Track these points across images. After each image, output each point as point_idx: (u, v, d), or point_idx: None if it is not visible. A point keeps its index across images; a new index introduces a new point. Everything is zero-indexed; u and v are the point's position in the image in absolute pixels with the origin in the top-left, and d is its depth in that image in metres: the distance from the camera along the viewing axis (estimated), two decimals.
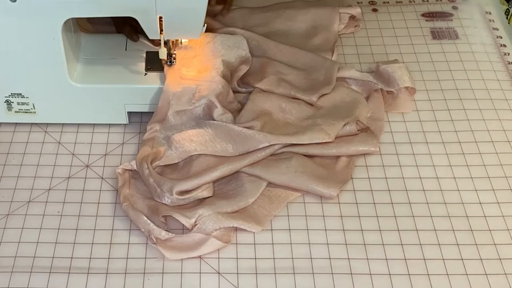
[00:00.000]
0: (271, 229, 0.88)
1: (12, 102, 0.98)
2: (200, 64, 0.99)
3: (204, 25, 0.92)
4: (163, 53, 0.95)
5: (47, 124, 1.02)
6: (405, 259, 0.85)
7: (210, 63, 0.99)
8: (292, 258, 0.85)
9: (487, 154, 0.98)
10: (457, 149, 0.99)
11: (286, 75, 1.04)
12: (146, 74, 0.98)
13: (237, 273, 0.84)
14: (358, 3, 1.25)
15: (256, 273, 0.84)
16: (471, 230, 0.88)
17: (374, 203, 0.91)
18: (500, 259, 0.85)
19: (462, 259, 0.85)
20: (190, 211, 0.87)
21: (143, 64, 1.00)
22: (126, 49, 1.02)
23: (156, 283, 0.83)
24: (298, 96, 1.01)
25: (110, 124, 1.02)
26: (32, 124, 1.02)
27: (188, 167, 0.93)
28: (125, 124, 1.02)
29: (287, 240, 0.87)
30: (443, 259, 0.85)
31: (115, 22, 1.06)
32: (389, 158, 0.97)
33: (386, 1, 1.26)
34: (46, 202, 0.92)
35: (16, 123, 1.02)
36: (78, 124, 1.02)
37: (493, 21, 1.21)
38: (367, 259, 0.85)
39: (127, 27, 1.02)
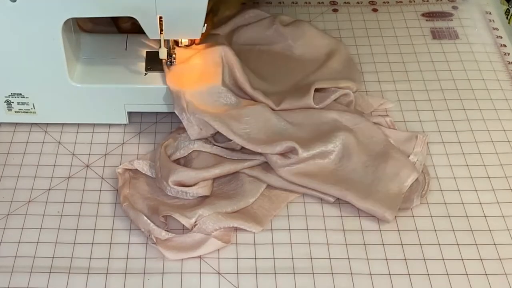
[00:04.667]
0: (271, 229, 0.88)
1: (12, 102, 0.98)
2: (201, 72, 0.98)
3: (204, 25, 0.92)
4: (163, 53, 0.95)
5: (47, 124, 1.02)
6: (405, 259, 0.85)
7: (211, 72, 0.98)
8: (292, 258, 0.85)
9: (487, 154, 0.98)
10: (457, 149, 0.99)
11: None
12: (146, 74, 0.98)
13: (237, 273, 0.84)
14: (358, 3, 1.25)
15: (256, 273, 0.84)
16: (471, 230, 0.88)
17: None
18: (500, 259, 0.85)
19: (462, 259, 0.85)
20: (190, 211, 0.87)
21: (143, 64, 1.00)
22: (126, 49, 1.02)
23: (156, 283, 0.83)
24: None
25: (110, 124, 1.02)
26: (32, 124, 1.02)
27: (189, 165, 0.93)
28: (125, 124, 1.02)
29: (287, 240, 0.87)
30: (443, 259, 0.85)
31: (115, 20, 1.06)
32: None
33: (386, 1, 1.26)
34: (46, 202, 0.92)
35: (16, 123, 1.02)
36: (78, 124, 1.02)
37: (493, 21, 1.21)
38: (367, 259, 0.85)
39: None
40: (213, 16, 1.09)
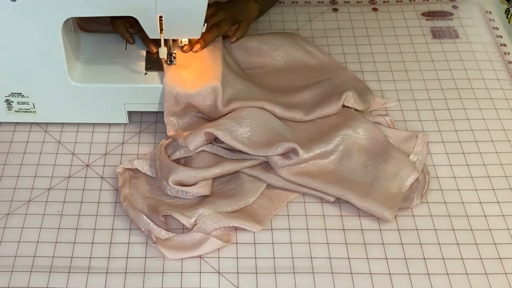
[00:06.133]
0: (271, 229, 0.88)
1: (12, 102, 0.98)
2: (201, 70, 0.98)
3: (204, 25, 0.92)
4: (163, 52, 0.95)
5: (47, 123, 1.02)
6: (405, 258, 0.85)
7: (211, 71, 0.98)
8: (292, 257, 0.85)
9: (487, 153, 0.98)
10: (457, 149, 0.99)
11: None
12: (146, 73, 0.98)
13: (237, 273, 0.84)
14: (358, 2, 1.25)
15: (256, 273, 0.84)
16: (471, 229, 0.88)
17: None
18: (500, 258, 0.85)
19: (462, 258, 0.85)
20: (190, 210, 0.87)
21: (143, 64, 1.00)
22: (126, 49, 1.02)
23: (156, 282, 0.83)
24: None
25: (110, 124, 1.02)
26: (32, 123, 1.02)
27: (189, 165, 0.93)
28: (125, 124, 1.02)
29: (287, 239, 0.87)
30: (443, 259, 0.85)
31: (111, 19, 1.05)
32: None
33: (387, 0, 1.26)
34: (46, 201, 0.92)
35: (16, 123, 1.02)
36: (78, 124, 1.02)
37: (493, 21, 1.21)
38: (367, 258, 0.85)
39: (121, 26, 1.02)
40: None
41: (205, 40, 1.01)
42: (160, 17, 0.89)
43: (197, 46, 1.00)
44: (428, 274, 0.83)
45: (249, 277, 0.83)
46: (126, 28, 1.02)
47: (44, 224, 0.89)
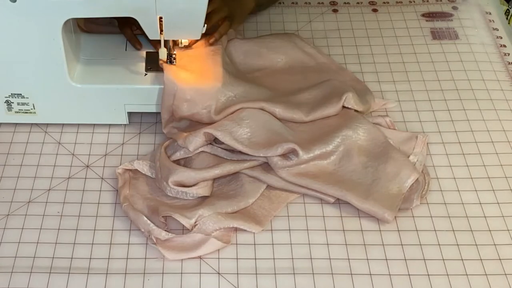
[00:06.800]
0: (271, 230, 0.88)
1: (12, 103, 0.98)
2: (200, 71, 0.98)
3: (204, 26, 0.92)
4: (163, 53, 0.95)
5: (47, 124, 1.02)
6: (405, 259, 0.85)
7: (211, 72, 0.98)
8: (292, 258, 0.85)
9: (487, 154, 0.98)
10: (457, 150, 0.99)
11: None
12: (146, 74, 0.98)
13: (237, 274, 0.84)
14: (358, 3, 1.25)
15: (256, 274, 0.84)
16: (471, 230, 0.88)
17: None
18: (500, 259, 0.85)
19: (462, 259, 0.85)
20: (190, 211, 0.87)
21: (143, 64, 1.00)
22: (126, 49, 1.02)
23: (156, 283, 0.83)
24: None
25: (110, 125, 1.02)
26: (32, 124, 1.02)
27: (189, 165, 0.93)
28: (125, 125, 1.02)
29: (287, 240, 0.87)
30: (443, 259, 0.85)
31: (118, 22, 1.05)
32: None
33: (386, 1, 1.26)
34: (46, 202, 0.92)
35: (16, 124, 1.02)
36: (78, 125, 1.02)
37: (493, 21, 1.21)
38: (367, 259, 0.85)
39: (129, 31, 1.02)
40: (231, 25, 1.07)
41: (220, 32, 1.03)
42: (160, 18, 0.89)
43: (212, 38, 1.02)
44: (428, 275, 0.83)
45: (249, 278, 0.83)
46: (134, 33, 1.02)
47: (44, 225, 0.89)
